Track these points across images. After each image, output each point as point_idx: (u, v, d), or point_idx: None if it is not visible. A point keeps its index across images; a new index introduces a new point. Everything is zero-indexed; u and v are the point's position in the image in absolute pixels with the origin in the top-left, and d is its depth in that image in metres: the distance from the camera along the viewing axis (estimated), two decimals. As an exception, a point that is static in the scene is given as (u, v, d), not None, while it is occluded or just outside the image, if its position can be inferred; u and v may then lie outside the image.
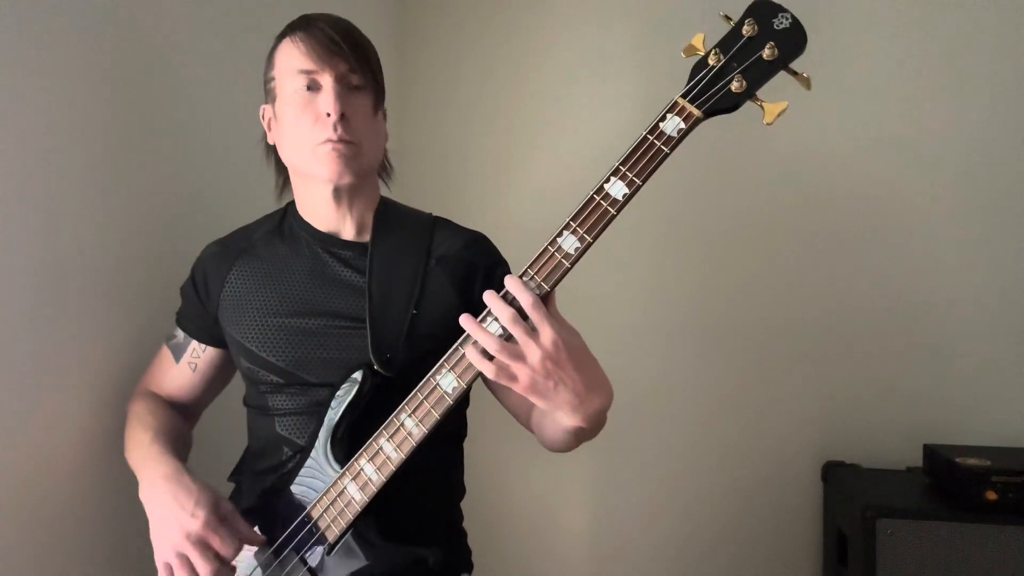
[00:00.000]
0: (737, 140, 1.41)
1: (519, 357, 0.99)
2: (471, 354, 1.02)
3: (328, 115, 1.20)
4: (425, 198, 1.82)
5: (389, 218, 1.35)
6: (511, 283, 1.01)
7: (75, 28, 1.34)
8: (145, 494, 1.18)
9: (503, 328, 1.01)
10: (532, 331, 0.99)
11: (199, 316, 1.36)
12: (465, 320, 1.02)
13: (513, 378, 1.00)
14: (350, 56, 1.22)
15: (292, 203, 1.37)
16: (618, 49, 2.47)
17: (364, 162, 1.27)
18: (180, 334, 1.39)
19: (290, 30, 1.26)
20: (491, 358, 1.01)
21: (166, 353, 1.40)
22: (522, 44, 2.56)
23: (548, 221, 1.07)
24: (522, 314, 1.00)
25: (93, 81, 1.38)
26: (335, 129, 1.21)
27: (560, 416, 1.06)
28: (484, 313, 1.03)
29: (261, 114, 1.33)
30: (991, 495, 1.82)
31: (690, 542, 2.43)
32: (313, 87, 1.22)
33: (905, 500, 1.94)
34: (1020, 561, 1.79)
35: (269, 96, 1.30)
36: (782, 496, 2.35)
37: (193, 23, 1.63)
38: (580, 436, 1.14)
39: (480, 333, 1.01)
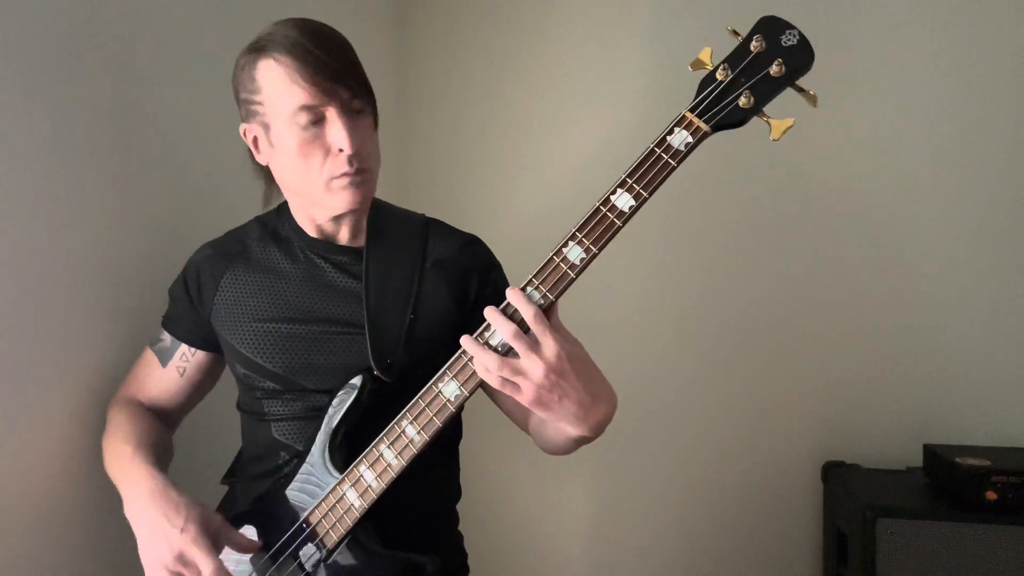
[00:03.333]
0: (738, 142, 1.40)
1: (521, 372, 0.99)
2: (477, 365, 1.02)
3: (341, 151, 1.17)
4: (427, 202, 1.82)
5: (383, 221, 1.34)
6: (513, 296, 1.01)
7: (65, 30, 1.32)
8: (131, 511, 1.17)
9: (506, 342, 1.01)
10: (535, 344, 0.99)
11: (190, 319, 1.34)
12: (465, 341, 1.02)
13: (517, 390, 1.00)
14: (350, 80, 1.17)
15: (284, 206, 1.35)
16: (623, 54, 2.45)
17: (375, 183, 1.26)
18: (167, 337, 1.36)
19: (270, 48, 1.16)
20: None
21: (151, 357, 1.37)
22: (525, 47, 2.54)
23: (550, 226, 1.06)
24: (523, 327, 1.00)
25: (82, 83, 1.36)
26: (351, 164, 1.18)
27: (564, 426, 1.06)
28: (484, 326, 1.03)
29: (242, 132, 1.26)
30: (991, 495, 1.83)
31: (690, 542, 2.44)
32: (317, 120, 1.16)
33: (905, 500, 1.94)
34: (1020, 561, 1.80)
35: (251, 117, 1.23)
36: (782, 496, 2.35)
37: (182, 24, 1.62)
38: (582, 442, 1.14)
39: (480, 352, 1.01)
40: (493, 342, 1.03)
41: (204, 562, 1.09)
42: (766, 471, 2.36)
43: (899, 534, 1.85)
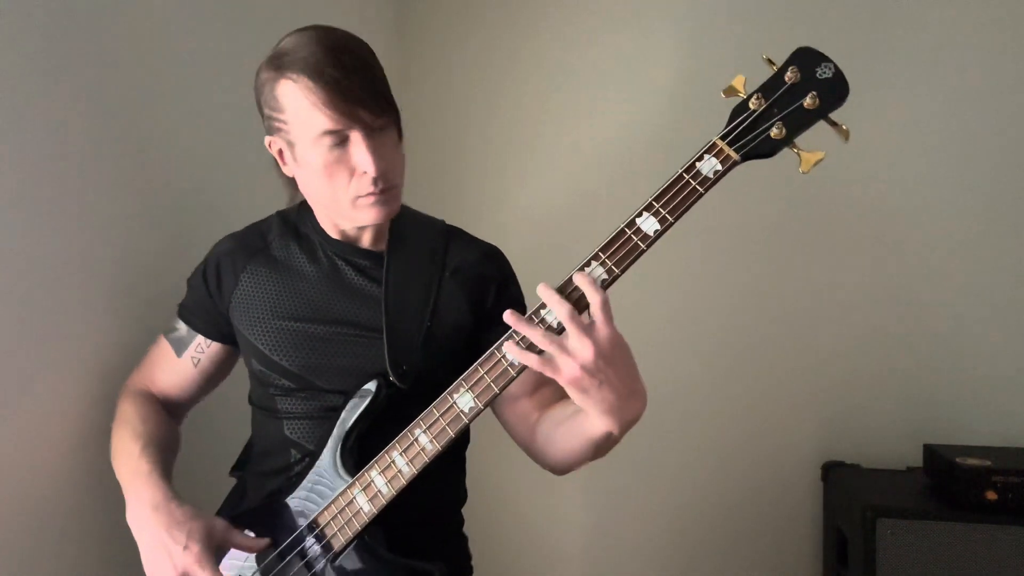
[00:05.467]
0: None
1: (567, 351, 0.98)
2: (512, 349, 1.02)
3: (366, 172, 1.16)
4: (429, 204, 1.79)
5: (405, 227, 1.34)
6: (582, 281, 1.00)
7: (75, 25, 1.32)
8: (134, 521, 1.18)
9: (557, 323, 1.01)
10: (589, 327, 0.99)
11: (208, 310, 1.35)
12: (509, 316, 1.01)
13: (557, 371, 0.99)
14: (371, 100, 1.15)
15: (306, 204, 1.34)
16: (635, 54, 2.43)
17: (400, 197, 1.26)
18: (182, 327, 1.36)
19: (291, 69, 1.14)
20: (536, 351, 1.01)
21: (165, 346, 1.38)
22: (530, 46, 2.52)
23: (554, 230, 1.04)
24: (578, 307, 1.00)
25: (92, 78, 1.36)
26: (376, 184, 1.17)
27: (593, 420, 1.06)
28: (536, 308, 1.03)
29: (268, 144, 1.26)
30: (991, 495, 1.84)
31: (690, 542, 2.45)
32: (341, 142, 1.16)
33: (905, 500, 1.96)
34: (1020, 561, 1.81)
35: (276, 132, 1.22)
36: (782, 496, 2.37)
37: (195, 20, 1.61)
38: (600, 449, 1.14)
39: (527, 328, 1.00)
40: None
41: None
42: (766, 471, 2.38)
43: (899, 534, 1.86)
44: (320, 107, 1.12)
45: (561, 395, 1.26)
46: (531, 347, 1.01)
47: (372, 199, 1.19)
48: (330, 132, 1.14)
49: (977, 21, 2.22)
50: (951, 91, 2.24)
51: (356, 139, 1.15)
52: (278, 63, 1.16)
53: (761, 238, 2.36)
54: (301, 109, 1.14)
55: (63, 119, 1.30)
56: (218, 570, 1.12)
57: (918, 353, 2.28)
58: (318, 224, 1.32)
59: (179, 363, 1.36)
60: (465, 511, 1.42)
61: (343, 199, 1.20)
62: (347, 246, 1.31)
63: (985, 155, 2.22)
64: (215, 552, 1.14)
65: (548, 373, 0.99)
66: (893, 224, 2.29)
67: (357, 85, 1.14)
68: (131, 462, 1.23)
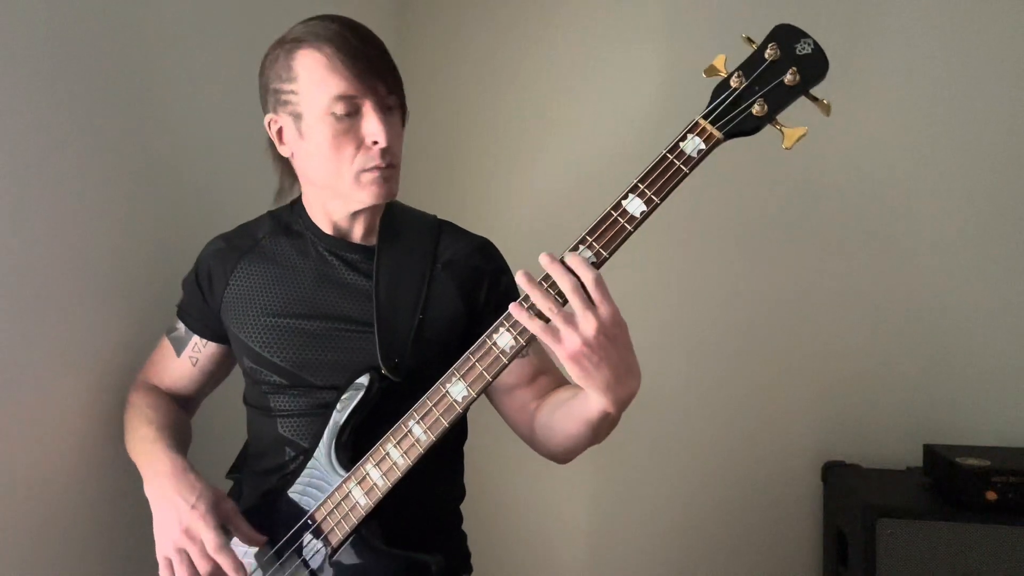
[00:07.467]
0: (741, 144, 1.39)
1: (572, 325, 0.98)
2: (518, 312, 1.01)
3: (375, 143, 1.18)
4: (429, 203, 1.81)
5: (396, 221, 1.35)
6: (574, 260, 1.00)
7: (73, 24, 1.33)
8: (150, 490, 1.20)
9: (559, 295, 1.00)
10: (592, 304, 0.98)
11: (201, 311, 1.36)
12: (521, 277, 1.00)
13: (560, 341, 0.99)
14: (388, 75, 1.19)
15: (298, 202, 1.36)
16: (631, 55, 2.45)
17: (399, 180, 1.27)
18: (181, 327, 1.38)
19: (312, 39, 1.18)
20: (542, 320, 1.00)
21: (167, 345, 1.40)
22: (531, 47, 2.54)
23: (554, 228, 1.05)
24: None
25: (90, 77, 1.37)
26: (383, 157, 1.19)
27: (591, 398, 1.06)
28: (539, 279, 1.02)
29: (267, 123, 1.27)
30: (991, 495, 1.84)
31: (690, 542, 2.44)
32: (352, 112, 1.18)
33: (905, 500, 1.95)
34: (1020, 561, 1.81)
35: (281, 107, 1.23)
36: (782, 496, 2.36)
37: (194, 21, 1.62)
38: (598, 431, 1.14)
39: (538, 293, 0.99)
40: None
41: (208, 536, 1.11)
42: (766, 471, 2.37)
43: (899, 534, 1.86)
44: (339, 70, 1.16)
45: (558, 384, 1.29)
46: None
47: (377, 173, 1.20)
48: (344, 97, 1.16)
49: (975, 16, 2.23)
50: (954, 83, 2.25)
51: (368, 110, 1.18)
52: (295, 38, 1.20)
53: (761, 237, 2.37)
54: (316, 74, 1.17)
55: (63, 120, 1.31)
56: (220, 530, 1.12)
57: (918, 353, 2.27)
58: (309, 220, 1.32)
59: (179, 362, 1.39)
60: (464, 508, 1.42)
61: (346, 174, 1.20)
62: (338, 241, 1.31)
63: (985, 153, 2.23)
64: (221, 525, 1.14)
65: (549, 341, 0.99)
66: (893, 223, 2.29)
67: (375, 57, 1.18)
68: (146, 444, 1.25)
